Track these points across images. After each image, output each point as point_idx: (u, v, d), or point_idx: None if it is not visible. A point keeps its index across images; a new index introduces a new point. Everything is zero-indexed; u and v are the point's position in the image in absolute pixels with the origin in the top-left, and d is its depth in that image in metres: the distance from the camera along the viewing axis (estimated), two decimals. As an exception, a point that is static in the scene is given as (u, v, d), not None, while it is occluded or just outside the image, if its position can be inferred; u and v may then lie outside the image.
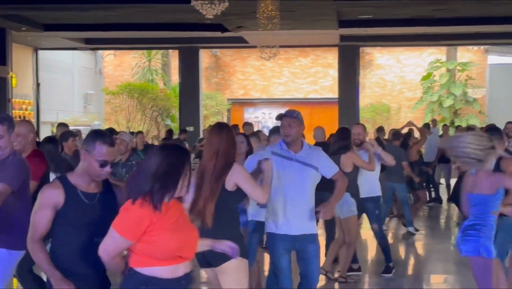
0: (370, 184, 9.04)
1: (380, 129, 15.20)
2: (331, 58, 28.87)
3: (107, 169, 4.16)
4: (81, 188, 4.17)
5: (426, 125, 18.58)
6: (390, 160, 8.98)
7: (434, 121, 21.26)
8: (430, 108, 28.20)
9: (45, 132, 23.05)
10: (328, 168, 6.01)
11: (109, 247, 3.76)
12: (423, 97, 28.63)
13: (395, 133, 13.16)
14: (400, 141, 12.83)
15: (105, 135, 4.22)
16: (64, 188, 4.14)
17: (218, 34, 20.05)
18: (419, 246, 12.18)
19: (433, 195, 16.90)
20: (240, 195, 5.41)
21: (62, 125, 12.34)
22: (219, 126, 5.51)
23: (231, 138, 5.41)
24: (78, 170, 4.22)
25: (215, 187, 5.25)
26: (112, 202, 4.19)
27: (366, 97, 29.18)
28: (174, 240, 3.74)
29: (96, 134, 4.25)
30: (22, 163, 5.32)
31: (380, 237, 9.33)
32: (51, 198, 4.11)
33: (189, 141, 18.76)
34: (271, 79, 30.93)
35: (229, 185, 5.28)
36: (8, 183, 5.10)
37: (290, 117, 5.91)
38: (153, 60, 30.37)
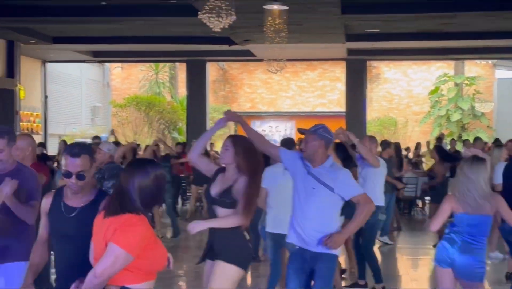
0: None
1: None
2: (339, 72, 28.88)
3: (72, 180, 4.14)
4: (66, 200, 4.24)
5: (439, 139, 18.48)
6: (371, 159, 8.50)
7: (441, 135, 21.18)
8: (437, 123, 28.15)
9: (53, 144, 23.10)
10: (348, 188, 5.63)
11: (113, 267, 3.57)
12: (430, 111, 28.59)
13: (383, 143, 12.74)
14: (387, 152, 12.55)
15: (73, 147, 4.25)
16: (53, 196, 4.31)
17: (225, 47, 20.08)
18: (425, 260, 12.12)
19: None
20: None
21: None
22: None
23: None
24: None
25: None
26: (93, 218, 4.04)
27: (373, 111, 29.16)
28: (164, 252, 3.78)
29: (67, 146, 4.43)
30: (35, 174, 5.37)
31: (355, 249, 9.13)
32: (43, 205, 4.37)
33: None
34: (278, 93, 30.95)
35: None
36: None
37: (308, 133, 5.72)
38: (160, 73, 30.45)
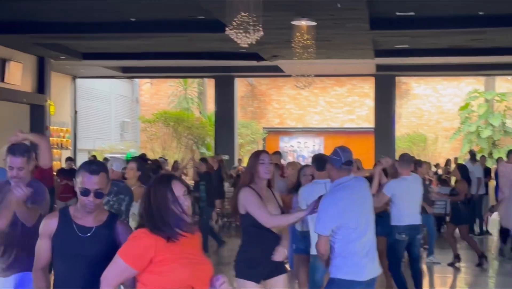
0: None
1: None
2: (367, 87, 28.77)
3: (90, 198, 4.04)
4: (76, 220, 4.11)
5: (473, 155, 18.19)
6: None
7: (473, 152, 20.91)
8: (468, 139, 27.87)
9: (82, 159, 23.26)
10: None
11: (111, 274, 3.66)
12: (460, 127, 28.32)
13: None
14: (419, 172, 12.12)
15: (91, 164, 4.15)
16: (60, 217, 4.14)
17: (253, 63, 20.11)
18: (461, 279, 11.94)
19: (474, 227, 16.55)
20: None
21: (143, 155, 13.20)
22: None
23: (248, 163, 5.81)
24: (78, 202, 4.19)
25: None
26: (109, 238, 4.08)
27: (403, 127, 28.95)
28: (186, 272, 3.62)
29: (83, 163, 4.22)
30: (44, 188, 5.47)
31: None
32: (47, 227, 4.15)
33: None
34: (307, 108, 30.88)
35: (240, 209, 5.63)
36: (44, 208, 5.28)
37: None
38: (189, 89, 30.57)
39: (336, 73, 25.17)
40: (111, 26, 15.84)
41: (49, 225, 4.15)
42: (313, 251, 6.95)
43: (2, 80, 17.90)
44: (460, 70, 22.94)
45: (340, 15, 13.78)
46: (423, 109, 30.16)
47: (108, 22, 15.64)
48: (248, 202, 5.57)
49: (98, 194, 4.07)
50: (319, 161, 7.38)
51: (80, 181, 4.07)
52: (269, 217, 5.52)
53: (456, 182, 13.43)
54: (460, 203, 12.46)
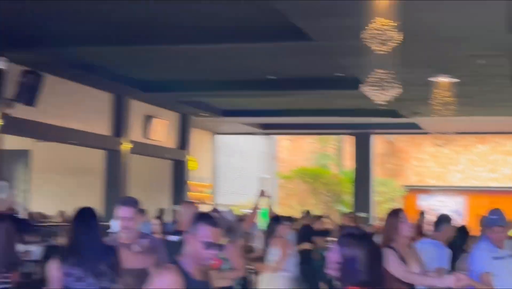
0: None
1: None
2: (512, 145, 27.72)
3: (213, 251, 3.88)
4: (194, 276, 3.86)
5: None
6: None
7: None
8: None
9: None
10: None
11: None
12: None
13: None
14: None
15: (209, 217, 4.01)
16: (183, 275, 3.82)
17: (391, 120, 19.86)
18: None
19: None
20: None
21: (307, 213, 14.36)
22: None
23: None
24: (185, 256, 3.93)
25: None
26: None
27: (551, 187, 27.57)
28: None
29: (200, 216, 4.07)
30: (161, 244, 5.48)
31: None
32: (174, 286, 3.75)
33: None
34: (447, 166, 30.05)
35: None
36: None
37: None
38: (327, 145, 30.58)
39: (478, 131, 24.41)
40: (250, 84, 16.17)
41: (176, 284, 3.77)
42: None
43: (147, 136, 18.61)
44: None
45: (482, 72, 13.43)
46: None
47: (247, 80, 15.98)
48: (387, 261, 5.43)
49: (219, 247, 3.96)
50: (437, 221, 7.25)
51: (204, 235, 3.89)
52: (408, 274, 5.52)
53: None
54: None
